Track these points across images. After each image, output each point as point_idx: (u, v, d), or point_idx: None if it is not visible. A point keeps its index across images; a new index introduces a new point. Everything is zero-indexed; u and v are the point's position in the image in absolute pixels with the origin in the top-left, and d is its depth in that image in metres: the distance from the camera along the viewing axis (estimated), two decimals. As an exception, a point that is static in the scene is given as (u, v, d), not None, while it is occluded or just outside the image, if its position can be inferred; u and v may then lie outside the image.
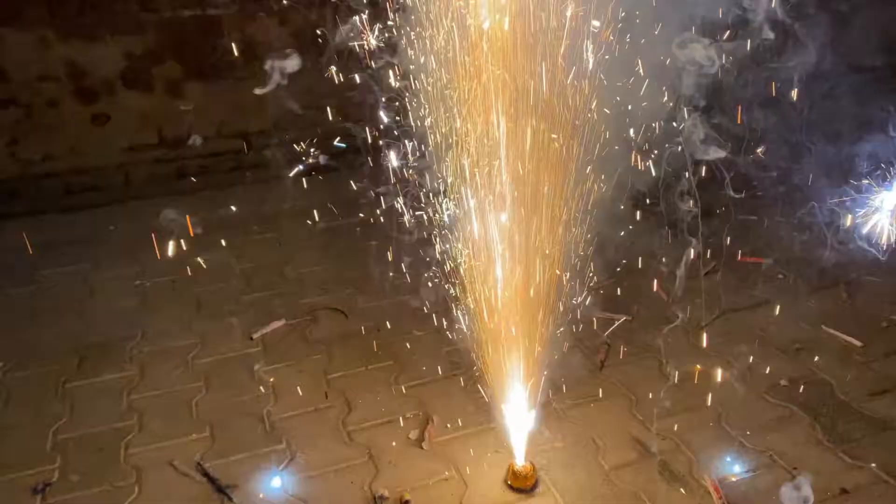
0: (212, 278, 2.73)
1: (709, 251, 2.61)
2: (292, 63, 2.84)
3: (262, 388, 2.11)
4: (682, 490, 1.70)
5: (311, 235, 3.00)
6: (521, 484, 1.72)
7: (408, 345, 2.27)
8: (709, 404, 1.96)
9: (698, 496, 1.69)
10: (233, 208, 3.30)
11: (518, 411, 1.79)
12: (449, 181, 1.83)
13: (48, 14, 3.46)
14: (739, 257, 2.69)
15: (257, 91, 2.80)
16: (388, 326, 2.37)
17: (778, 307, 2.39)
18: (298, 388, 2.10)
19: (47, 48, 3.50)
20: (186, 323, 2.46)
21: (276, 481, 1.75)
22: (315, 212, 3.11)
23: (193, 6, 3.66)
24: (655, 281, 2.53)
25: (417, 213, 2.19)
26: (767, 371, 2.09)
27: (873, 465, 1.75)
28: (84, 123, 3.67)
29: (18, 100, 3.55)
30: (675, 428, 1.88)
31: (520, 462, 1.75)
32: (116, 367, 2.24)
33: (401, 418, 1.97)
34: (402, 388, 2.09)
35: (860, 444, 1.81)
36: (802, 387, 2.01)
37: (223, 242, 2.93)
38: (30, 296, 2.68)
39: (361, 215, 3.00)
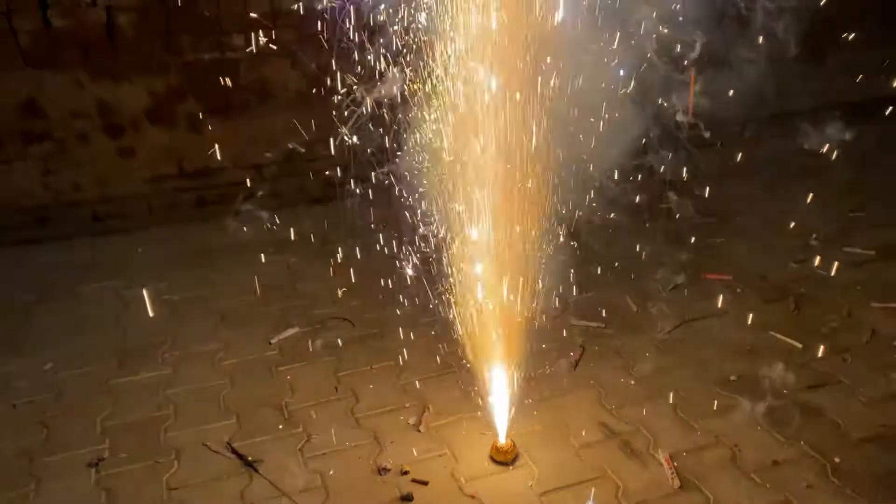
0: (233, 293, 3.10)
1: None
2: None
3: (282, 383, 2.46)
4: (640, 464, 2.05)
5: (320, 255, 3.37)
6: (503, 458, 2.07)
7: (406, 348, 2.62)
8: (667, 396, 2.31)
9: (653, 468, 2.03)
10: (247, 234, 3.69)
11: (501, 401, 2.15)
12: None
13: (82, 58, 3.88)
14: (704, 275, 3.06)
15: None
16: (390, 333, 2.72)
17: (734, 316, 2.76)
18: (312, 383, 2.45)
19: (80, 88, 3.91)
20: (212, 331, 2.82)
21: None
22: (322, 236, 3.51)
23: (213, 50, 4.07)
24: (627, 297, 2.91)
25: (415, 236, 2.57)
26: (720, 369, 2.45)
27: (802, 443, 2.09)
28: (111, 156, 4.05)
29: (52, 134, 3.94)
30: (637, 415, 2.23)
31: (502, 440, 2.10)
32: (152, 367, 2.59)
33: (401, 407, 2.32)
34: (402, 383, 2.45)
35: (793, 427, 2.16)
36: (749, 381, 2.37)
37: (241, 262, 3.32)
38: (71, 309, 3.04)
39: (363, 240, 3.40)
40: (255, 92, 4.17)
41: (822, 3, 4.20)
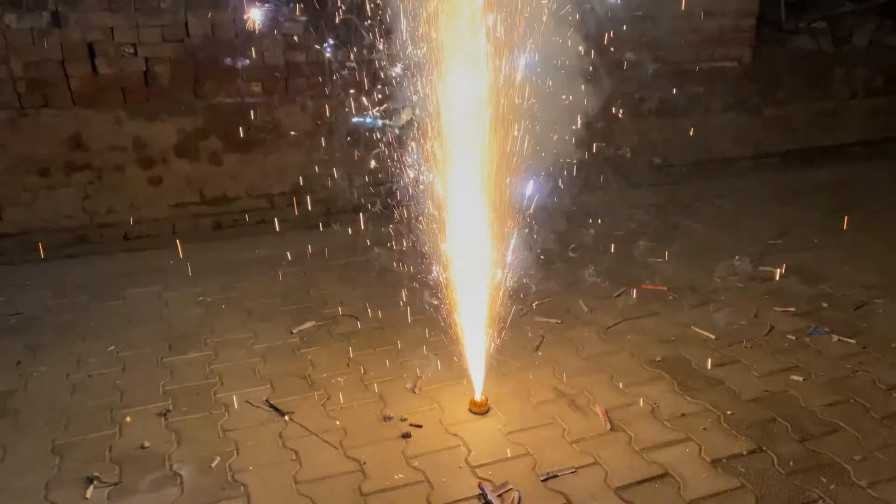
0: (256, 296, 3.80)
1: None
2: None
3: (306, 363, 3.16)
4: (581, 414, 2.77)
5: (328, 268, 4.10)
6: (478, 409, 2.78)
7: (403, 338, 3.33)
8: (606, 371, 3.05)
9: (591, 418, 2.75)
10: (264, 251, 4.42)
11: (478, 369, 2.86)
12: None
13: (122, 99, 4.62)
14: (643, 286, 3.84)
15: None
16: (389, 327, 3.44)
17: (664, 316, 3.52)
18: (328, 361, 3.15)
19: (119, 125, 4.64)
20: (242, 324, 3.52)
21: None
22: (329, 253, 4.25)
23: (234, 95, 4.84)
24: (580, 300, 3.67)
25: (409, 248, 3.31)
26: (649, 353, 3.19)
27: (705, 402, 2.83)
28: (142, 184, 4.77)
29: (92, 165, 4.65)
30: (582, 383, 2.96)
31: (478, 397, 2.81)
32: (197, 349, 3.28)
33: (399, 377, 3.03)
34: (400, 361, 3.16)
35: (700, 392, 2.90)
36: (670, 361, 3.11)
37: (260, 273, 4.04)
38: (121, 307, 3.72)
39: (364, 257, 4.15)
40: (268, 132, 4.93)
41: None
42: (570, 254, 4.21)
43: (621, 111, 5.33)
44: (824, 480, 2.39)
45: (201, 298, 3.78)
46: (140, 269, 4.15)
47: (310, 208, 5.06)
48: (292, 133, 4.97)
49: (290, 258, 4.28)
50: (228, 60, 4.73)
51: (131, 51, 4.52)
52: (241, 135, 4.86)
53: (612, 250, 4.29)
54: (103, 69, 4.51)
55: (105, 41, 4.46)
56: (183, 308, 3.68)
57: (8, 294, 3.87)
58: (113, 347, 3.30)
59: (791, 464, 2.47)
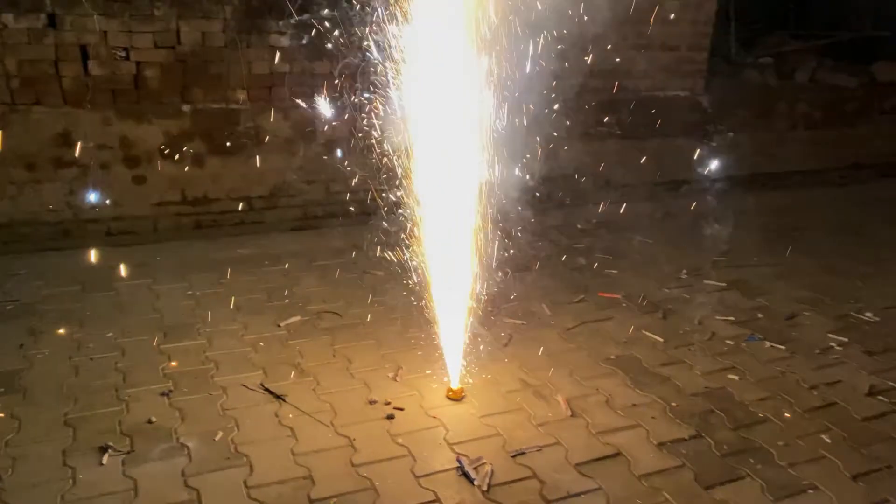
0: (242, 292, 4.10)
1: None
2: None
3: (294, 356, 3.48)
4: (545, 402, 3.16)
5: (309, 268, 4.42)
6: (455, 396, 3.15)
7: (383, 333, 3.69)
8: (566, 366, 3.45)
9: (553, 405, 3.14)
10: (246, 250, 4.72)
11: (455, 362, 3.24)
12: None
13: (112, 100, 4.87)
14: (600, 294, 4.27)
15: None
16: (371, 323, 3.79)
17: (618, 320, 3.95)
18: (316, 352, 3.48)
19: (108, 125, 4.88)
20: (232, 317, 3.82)
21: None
22: (309, 255, 4.57)
23: (219, 101, 5.12)
24: (543, 304, 4.08)
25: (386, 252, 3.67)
26: (604, 352, 3.61)
27: (655, 396, 3.25)
28: (126, 182, 5.01)
29: (79, 162, 4.87)
30: (545, 376, 3.36)
31: (454, 385, 3.18)
32: (192, 338, 3.57)
33: (382, 367, 3.38)
34: (382, 353, 3.51)
35: (649, 386, 3.32)
36: (623, 360, 3.54)
37: (244, 271, 4.34)
38: (113, 298, 3.98)
39: (342, 259, 4.50)
40: (250, 137, 5.22)
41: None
42: (536, 263, 4.62)
43: (581, 134, 5.82)
44: (752, 461, 2.83)
45: (190, 292, 4.06)
46: (127, 263, 4.40)
47: (288, 211, 5.38)
48: (273, 139, 5.28)
49: (271, 258, 4.59)
50: (216, 68, 5.02)
51: (123, 54, 4.78)
52: (225, 139, 5.14)
53: (573, 261, 4.72)
54: (95, 71, 4.75)
55: (98, 44, 4.71)
56: (174, 300, 3.96)
57: (1, 283, 4.09)
58: (111, 334, 3.56)
59: (725, 447, 2.91)
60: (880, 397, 3.31)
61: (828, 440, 2.98)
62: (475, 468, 2.71)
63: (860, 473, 2.78)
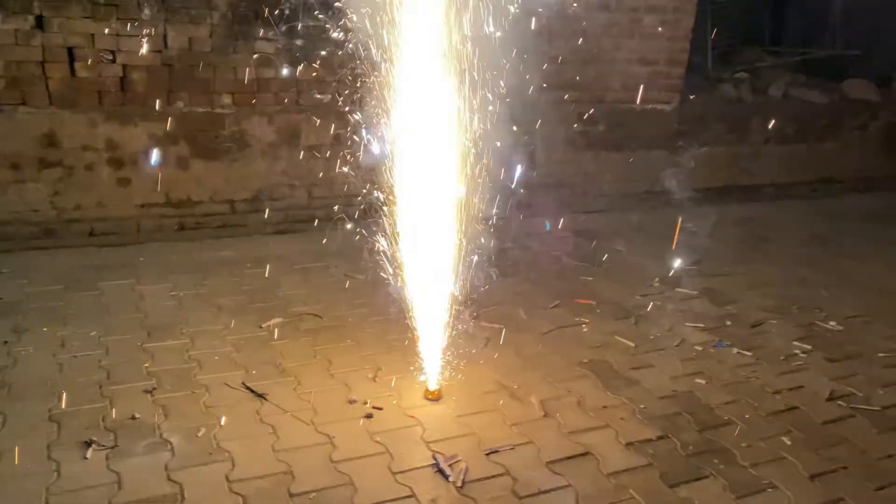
0: (225, 294, 4.18)
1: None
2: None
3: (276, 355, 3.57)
4: (519, 403, 3.27)
5: (291, 271, 4.51)
6: (432, 397, 3.26)
7: (364, 335, 3.78)
8: (541, 369, 3.57)
9: (527, 406, 3.26)
10: (228, 253, 4.79)
11: (433, 363, 3.34)
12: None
13: (98, 102, 4.93)
14: (576, 300, 4.40)
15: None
16: (351, 325, 3.89)
17: (593, 325, 4.08)
18: (297, 353, 3.57)
19: (94, 126, 4.94)
20: (214, 317, 3.90)
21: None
22: (290, 258, 4.66)
23: (205, 105, 5.20)
24: (520, 309, 4.20)
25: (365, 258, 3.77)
26: (578, 355, 3.74)
27: (625, 398, 3.38)
28: (111, 184, 5.06)
29: (64, 162, 4.92)
30: (520, 378, 3.47)
31: (432, 386, 3.29)
32: (175, 337, 3.64)
33: (362, 368, 3.48)
34: (362, 354, 3.61)
35: (619, 389, 3.45)
36: (596, 363, 3.66)
37: (227, 272, 4.42)
38: (97, 297, 4.04)
39: (324, 262, 4.59)
40: (235, 141, 5.30)
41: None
42: (514, 270, 4.74)
43: (560, 144, 5.98)
44: (715, 461, 2.97)
45: (174, 293, 4.13)
46: (111, 264, 4.47)
47: (271, 215, 5.46)
48: (257, 143, 5.36)
49: (253, 261, 4.68)
50: (202, 73, 5.10)
51: (110, 57, 4.85)
52: (209, 143, 5.22)
53: (549, 269, 4.85)
54: (82, 73, 4.81)
55: (86, 47, 4.77)
56: (157, 301, 4.03)
57: (-16, 281, 4.14)
58: (95, 333, 3.63)
59: (690, 448, 3.04)
60: (839, 402, 3.46)
61: (788, 442, 3.12)
62: (450, 465, 2.82)
63: (817, 473, 2.92)
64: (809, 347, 3.98)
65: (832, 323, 4.31)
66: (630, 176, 6.60)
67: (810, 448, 3.09)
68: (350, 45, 3.51)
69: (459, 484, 2.72)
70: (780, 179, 7.42)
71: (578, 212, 6.12)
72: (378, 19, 3.24)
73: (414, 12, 3.09)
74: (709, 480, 2.85)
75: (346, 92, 4.18)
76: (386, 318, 3.90)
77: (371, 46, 3.29)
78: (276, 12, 5.01)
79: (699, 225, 6.05)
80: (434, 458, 2.85)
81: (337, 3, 3.87)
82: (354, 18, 3.43)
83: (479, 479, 2.76)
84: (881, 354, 3.96)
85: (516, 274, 4.70)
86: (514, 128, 4.35)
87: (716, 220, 6.18)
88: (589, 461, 2.92)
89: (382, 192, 3.49)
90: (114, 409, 3.02)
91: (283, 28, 5.05)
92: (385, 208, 3.49)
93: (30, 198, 4.88)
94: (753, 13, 9.42)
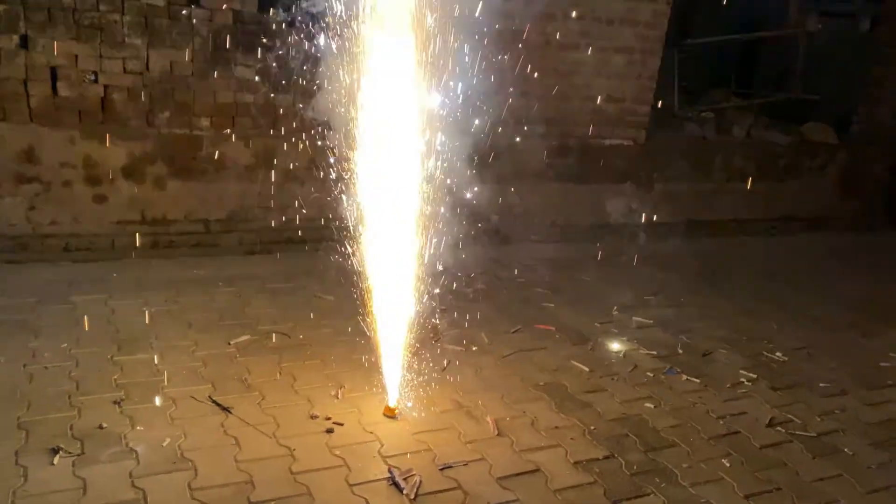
0: (196, 311, 4.30)
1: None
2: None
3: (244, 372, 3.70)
4: (475, 422, 3.43)
5: (262, 291, 4.65)
6: (391, 414, 3.40)
7: (329, 354, 3.93)
8: (498, 390, 3.74)
9: (483, 425, 3.42)
10: (201, 271, 4.92)
11: (393, 382, 3.49)
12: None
13: (78, 121, 5.06)
14: (536, 325, 4.58)
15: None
16: (317, 344, 4.03)
17: (551, 351, 4.26)
18: (263, 369, 3.70)
19: (73, 144, 5.06)
20: (184, 334, 4.02)
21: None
22: (262, 278, 4.81)
23: (183, 127, 5.36)
24: (482, 333, 4.37)
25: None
26: (535, 378, 3.91)
27: (576, 420, 3.55)
28: (87, 201, 5.17)
29: (42, 178, 5.03)
30: (478, 398, 3.64)
31: (391, 404, 3.43)
32: (144, 351, 3.76)
33: (325, 385, 3.61)
34: (326, 373, 3.75)
35: (572, 411, 3.62)
36: (551, 386, 3.84)
37: (199, 290, 4.55)
38: (69, 311, 4.14)
39: (294, 283, 4.74)
40: (212, 163, 5.45)
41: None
42: (478, 295, 4.92)
43: (529, 176, 6.22)
44: (658, 480, 3.14)
45: (145, 308, 4.24)
46: (84, 279, 4.57)
47: (244, 236, 5.60)
48: (234, 165, 5.52)
49: (225, 280, 4.81)
50: (182, 95, 5.26)
51: (92, 78, 4.99)
52: (187, 163, 5.37)
53: (513, 295, 5.04)
54: (64, 92, 4.95)
55: (68, 66, 4.92)
56: (129, 316, 4.14)
57: (-43, 292, 4.23)
58: (66, 345, 3.73)
59: (635, 467, 3.21)
60: (779, 428, 3.66)
61: (727, 464, 3.31)
62: (405, 479, 2.96)
63: (752, 493, 3.12)
64: (755, 376, 4.19)
65: (778, 354, 4.54)
66: (596, 208, 6.84)
67: (748, 470, 3.28)
68: (325, 76, 3.72)
69: (413, 496, 2.87)
70: (741, 216, 7.71)
71: (545, 241, 6.33)
72: (353, 53, 3.44)
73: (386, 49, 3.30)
74: (650, 498, 3.03)
75: (322, 119, 4.39)
76: (351, 338, 4.04)
77: (346, 79, 3.49)
78: (256, 39, 5.20)
79: (660, 257, 6.30)
80: (390, 471, 3.00)
81: (314, 32, 4.08)
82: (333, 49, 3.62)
83: (431, 493, 2.91)
84: (822, 384, 4.19)
85: (481, 299, 4.88)
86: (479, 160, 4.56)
87: (677, 252, 6.44)
88: (538, 478, 3.08)
89: (352, 217, 3.66)
90: (82, 419, 3.13)
91: (262, 54, 5.24)
92: (354, 232, 3.66)
93: (6, 212, 4.98)
94: (723, 57, 9.83)
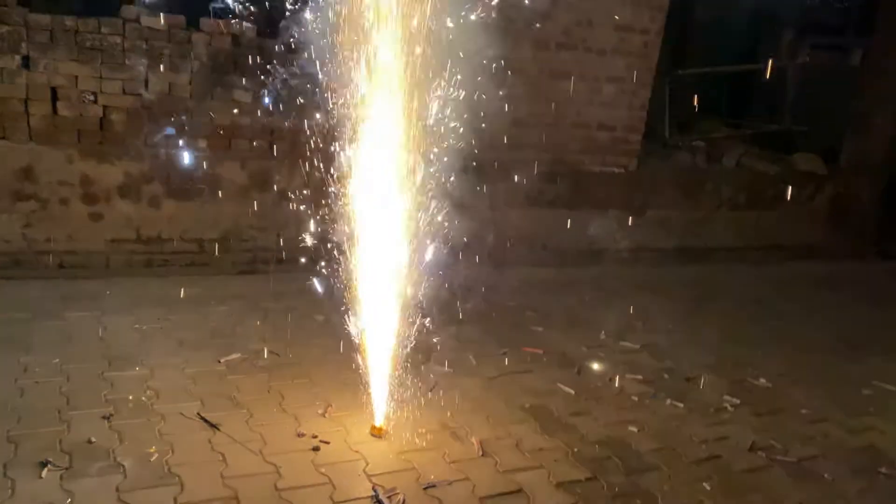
0: (187, 329, 4.36)
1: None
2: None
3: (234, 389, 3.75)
4: (460, 443, 3.48)
5: (254, 310, 4.71)
6: (378, 433, 3.45)
7: (318, 373, 3.98)
8: (484, 412, 3.79)
9: (468, 445, 3.47)
10: (194, 290, 4.98)
11: (380, 401, 3.55)
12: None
13: (77, 140, 5.15)
14: (523, 348, 4.65)
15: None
16: (307, 363, 4.08)
17: (538, 373, 4.32)
18: (252, 387, 3.75)
19: (70, 163, 5.15)
20: (175, 351, 4.07)
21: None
22: (254, 297, 4.87)
23: (180, 147, 5.45)
24: (470, 355, 4.43)
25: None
26: (521, 400, 3.96)
27: (560, 442, 3.60)
28: (83, 219, 5.25)
29: (39, 196, 5.11)
30: (464, 420, 3.68)
31: (378, 423, 3.48)
32: (135, 368, 3.81)
33: (313, 404, 3.66)
34: (315, 391, 3.80)
35: (556, 433, 3.67)
36: (537, 408, 3.89)
37: (191, 309, 4.61)
38: (61, 327, 4.19)
39: (286, 303, 4.80)
40: (208, 183, 5.54)
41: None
42: (467, 317, 4.98)
43: (521, 202, 6.33)
44: (638, 502, 3.19)
45: (137, 326, 4.30)
46: (78, 296, 4.63)
47: (238, 255, 5.67)
48: (230, 186, 5.60)
49: (217, 299, 4.87)
50: (179, 117, 5.36)
51: (92, 98, 5.09)
52: (183, 184, 5.45)
53: (503, 318, 5.11)
54: (63, 112, 5.05)
55: (69, 87, 5.02)
56: (120, 332, 4.20)
57: (-49, 307, 4.28)
58: (57, 360, 3.78)
59: (616, 490, 3.26)
60: (760, 452, 3.72)
61: (708, 487, 3.36)
62: (389, 497, 3.01)
63: (731, 517, 3.16)
64: (738, 401, 4.25)
65: (762, 380, 4.60)
66: (587, 234, 6.93)
67: (727, 493, 3.33)
68: (319, 100, 3.82)
69: (396, 514, 2.91)
70: (730, 244, 7.80)
71: (536, 265, 6.40)
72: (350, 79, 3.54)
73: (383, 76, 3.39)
74: (630, 520, 3.07)
75: (317, 141, 4.48)
76: (341, 358, 4.08)
77: (339, 104, 3.58)
78: (254, 63, 5.32)
79: (649, 283, 6.38)
80: (374, 489, 3.04)
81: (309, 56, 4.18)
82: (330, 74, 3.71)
83: (414, 511, 2.96)
84: (804, 411, 4.25)
85: (470, 322, 4.93)
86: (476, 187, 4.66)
87: (666, 279, 6.53)
88: (520, 498, 3.12)
89: (344, 239, 3.73)
90: (71, 433, 3.18)
91: (260, 78, 5.35)
92: (346, 254, 3.73)
93: (2, 228, 5.05)
94: (715, 87, 10.01)
